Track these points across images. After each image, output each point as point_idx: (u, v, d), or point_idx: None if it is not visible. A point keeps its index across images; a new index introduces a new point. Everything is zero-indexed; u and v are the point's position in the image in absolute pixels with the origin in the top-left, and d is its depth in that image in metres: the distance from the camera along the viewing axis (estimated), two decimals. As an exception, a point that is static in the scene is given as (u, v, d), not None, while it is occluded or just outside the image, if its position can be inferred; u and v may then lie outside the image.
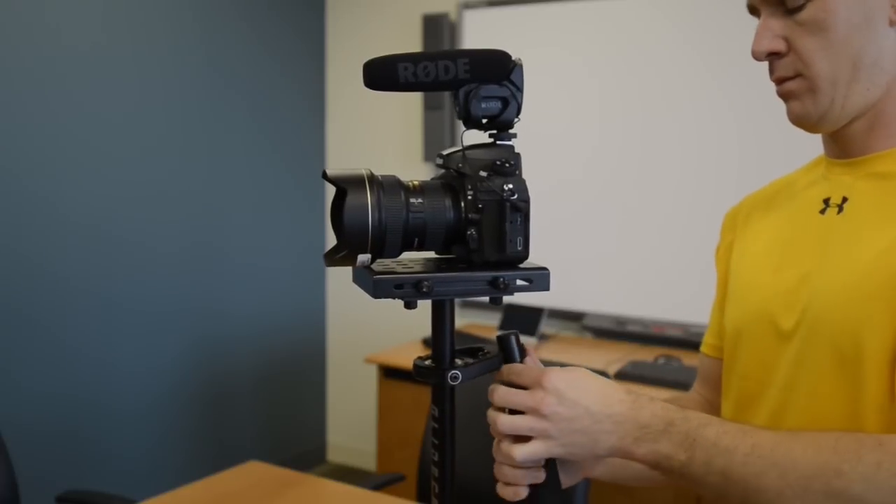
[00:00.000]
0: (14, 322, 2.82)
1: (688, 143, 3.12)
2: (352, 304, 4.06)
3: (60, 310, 2.96)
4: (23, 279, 2.84)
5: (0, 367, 2.78)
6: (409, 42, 3.71)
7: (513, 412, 0.88)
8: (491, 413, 0.90)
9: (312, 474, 2.09)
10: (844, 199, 0.97)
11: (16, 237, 2.82)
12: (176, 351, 3.39)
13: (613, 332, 3.32)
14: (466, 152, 0.86)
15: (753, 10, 0.97)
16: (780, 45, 0.93)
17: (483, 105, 0.86)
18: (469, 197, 0.85)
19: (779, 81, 0.96)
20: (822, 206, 1.00)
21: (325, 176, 0.83)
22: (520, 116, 0.88)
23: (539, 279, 0.87)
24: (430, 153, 3.67)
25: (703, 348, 1.20)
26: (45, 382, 2.92)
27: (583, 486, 1.83)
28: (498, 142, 0.88)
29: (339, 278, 4.10)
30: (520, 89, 0.87)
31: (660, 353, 3.05)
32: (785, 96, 0.96)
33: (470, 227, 0.85)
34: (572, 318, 3.43)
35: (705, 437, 0.83)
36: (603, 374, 2.04)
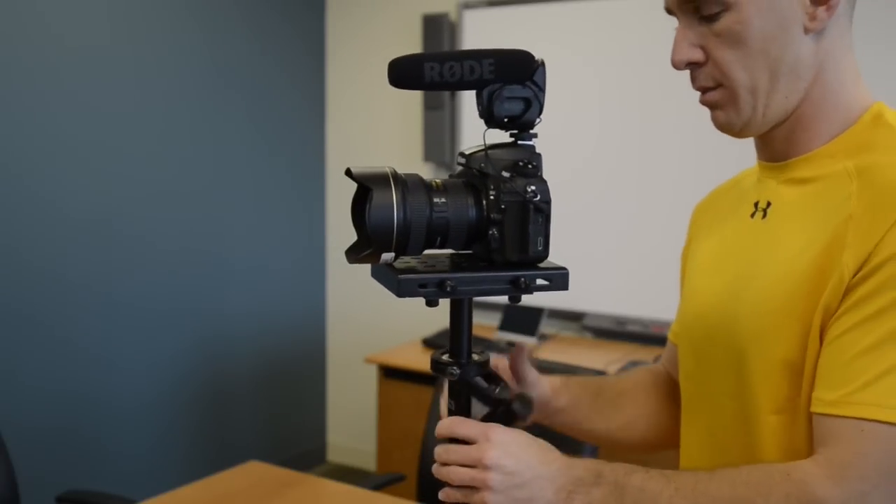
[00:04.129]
0: (14, 321, 2.82)
1: (687, 142, 3.12)
2: (352, 304, 4.06)
3: (61, 309, 2.96)
4: (23, 278, 2.84)
5: (0, 366, 2.78)
6: (410, 42, 3.71)
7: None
8: (437, 450, 0.91)
9: (312, 474, 2.09)
10: (769, 204, 0.99)
11: (16, 236, 2.82)
12: (176, 350, 3.39)
13: (613, 332, 3.32)
14: (489, 152, 0.87)
15: (671, 12, 0.96)
16: (697, 55, 0.93)
17: (506, 105, 0.86)
18: (491, 197, 0.86)
19: (701, 91, 0.96)
20: (753, 209, 1.02)
21: (348, 173, 0.82)
22: (541, 117, 0.88)
23: (558, 279, 0.89)
24: (430, 153, 3.67)
25: (669, 335, 1.24)
26: (45, 382, 2.92)
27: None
28: (519, 142, 0.89)
29: (340, 278, 4.10)
30: (542, 90, 0.87)
31: (659, 353, 3.02)
32: (708, 106, 0.97)
33: (492, 227, 0.86)
34: (572, 318, 3.43)
35: (632, 484, 0.86)
36: (601, 374, 2.04)
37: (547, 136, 3.41)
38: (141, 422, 3.25)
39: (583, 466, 0.88)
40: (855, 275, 0.84)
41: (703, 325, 1.03)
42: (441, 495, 0.90)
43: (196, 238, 3.46)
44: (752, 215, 1.01)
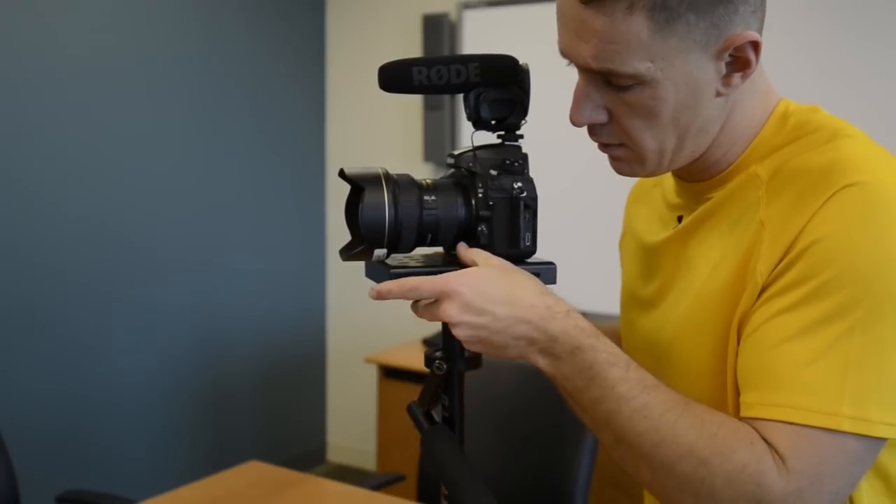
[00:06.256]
0: (15, 321, 2.82)
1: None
2: (352, 304, 4.06)
3: (62, 309, 2.96)
4: (24, 279, 2.84)
5: (1, 366, 2.78)
6: (410, 42, 3.71)
7: None
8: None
9: (312, 474, 2.09)
10: (692, 219, 0.97)
11: (18, 238, 2.82)
12: (176, 351, 3.39)
13: (613, 332, 3.32)
14: (476, 152, 0.90)
15: (566, 56, 0.91)
16: (601, 118, 0.89)
17: (492, 108, 0.90)
18: (480, 195, 0.89)
19: (602, 145, 0.94)
20: (676, 222, 1.00)
21: (342, 174, 0.85)
22: (526, 118, 0.92)
23: (546, 273, 0.91)
24: (430, 153, 3.67)
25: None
26: (45, 382, 2.92)
27: (583, 485, 1.83)
28: (506, 142, 0.92)
29: (339, 278, 4.10)
30: (527, 93, 0.91)
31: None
32: (610, 157, 0.95)
33: (480, 224, 0.89)
34: (572, 318, 3.43)
35: (606, 376, 0.81)
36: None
37: (547, 136, 3.40)
38: (141, 422, 3.25)
39: (562, 328, 0.82)
40: (770, 274, 0.82)
41: (634, 331, 1.04)
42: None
43: (196, 238, 3.46)
44: (675, 228, 1.00)
